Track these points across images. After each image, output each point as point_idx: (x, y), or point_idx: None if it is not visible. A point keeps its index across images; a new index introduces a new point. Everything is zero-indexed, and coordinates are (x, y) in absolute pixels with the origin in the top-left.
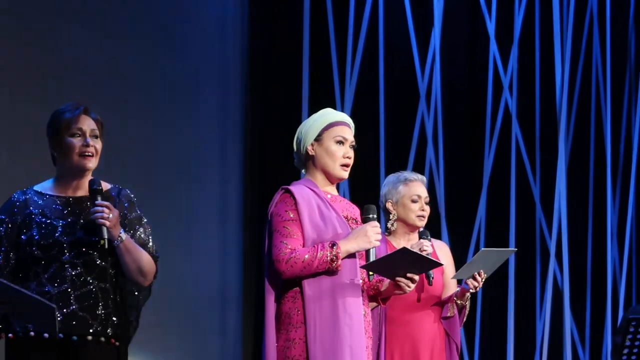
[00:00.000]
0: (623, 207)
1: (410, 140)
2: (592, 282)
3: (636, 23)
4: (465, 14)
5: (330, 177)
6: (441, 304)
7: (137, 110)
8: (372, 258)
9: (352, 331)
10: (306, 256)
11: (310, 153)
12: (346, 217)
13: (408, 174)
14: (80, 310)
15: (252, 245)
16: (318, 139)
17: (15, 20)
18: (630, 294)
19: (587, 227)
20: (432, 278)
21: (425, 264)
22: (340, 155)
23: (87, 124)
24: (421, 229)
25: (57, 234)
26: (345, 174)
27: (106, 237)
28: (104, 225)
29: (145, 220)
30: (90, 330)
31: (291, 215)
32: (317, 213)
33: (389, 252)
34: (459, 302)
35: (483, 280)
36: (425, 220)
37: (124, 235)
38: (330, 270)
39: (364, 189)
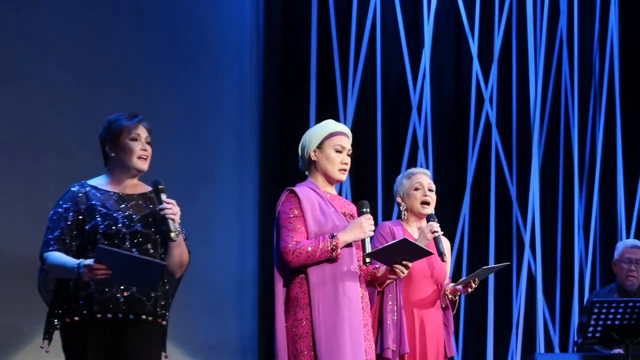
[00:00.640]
0: (588, 204)
1: (404, 146)
2: (561, 270)
3: (600, 46)
4: (451, 37)
5: (329, 180)
6: (441, 293)
7: (168, 119)
8: (367, 246)
9: (350, 311)
10: (309, 247)
11: (312, 158)
12: (344, 213)
13: (412, 169)
14: (138, 292)
15: (267, 237)
16: (320, 146)
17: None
18: (594, 280)
19: (557, 221)
20: (445, 255)
21: (419, 253)
22: (338, 161)
23: (144, 131)
24: (430, 214)
25: (119, 225)
26: (343, 177)
27: (174, 230)
28: (172, 219)
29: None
30: (145, 311)
31: (296, 212)
32: (318, 210)
33: (390, 242)
34: (450, 296)
35: (476, 285)
36: (430, 206)
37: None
38: (331, 259)
39: (364, 187)
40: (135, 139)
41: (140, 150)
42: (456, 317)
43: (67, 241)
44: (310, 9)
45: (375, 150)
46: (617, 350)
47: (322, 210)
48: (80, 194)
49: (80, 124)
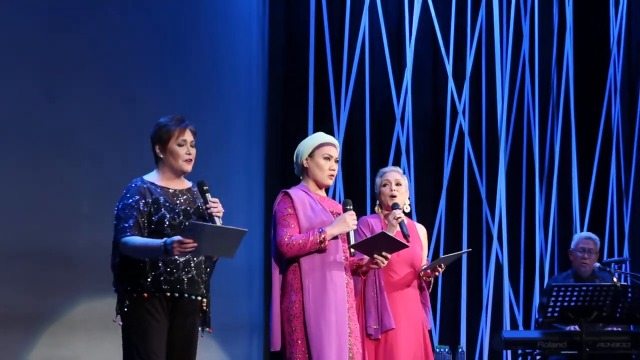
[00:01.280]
0: (548, 201)
1: (389, 152)
2: (524, 258)
3: (557, 66)
4: (429, 59)
5: (319, 184)
6: (418, 275)
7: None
8: (351, 238)
9: (336, 295)
10: (301, 240)
11: (305, 165)
12: (332, 212)
13: (383, 168)
14: (196, 275)
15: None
16: (311, 155)
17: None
18: (553, 266)
19: (520, 217)
20: (408, 236)
21: (396, 245)
22: (327, 168)
23: (190, 136)
24: (394, 203)
25: (180, 218)
26: (330, 182)
27: (220, 224)
28: (218, 216)
29: None
30: (200, 292)
31: (289, 211)
32: (309, 208)
33: (371, 235)
34: (424, 278)
35: (442, 269)
36: (397, 198)
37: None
38: (320, 250)
39: (354, 187)
40: (181, 145)
41: (186, 154)
42: (434, 299)
43: (141, 228)
44: (308, 33)
45: (364, 155)
46: (572, 327)
47: (312, 208)
48: (143, 189)
49: (110, 132)
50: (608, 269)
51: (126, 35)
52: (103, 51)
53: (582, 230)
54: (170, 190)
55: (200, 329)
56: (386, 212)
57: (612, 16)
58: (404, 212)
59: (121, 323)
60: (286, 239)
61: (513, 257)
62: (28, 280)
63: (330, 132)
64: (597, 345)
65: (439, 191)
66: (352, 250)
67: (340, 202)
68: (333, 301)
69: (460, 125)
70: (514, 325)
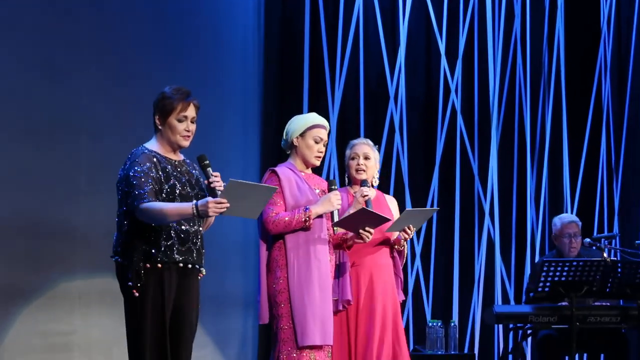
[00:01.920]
0: (539, 178)
1: (383, 129)
2: (515, 234)
3: (548, 44)
4: (422, 38)
5: (306, 163)
6: (391, 245)
7: None
8: (335, 217)
9: (320, 271)
10: (286, 218)
11: (295, 143)
12: (317, 190)
13: (353, 140)
14: (201, 246)
15: None
16: (302, 134)
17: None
18: (544, 242)
19: (512, 193)
20: (372, 207)
21: (378, 220)
22: (315, 149)
23: (192, 111)
24: (363, 180)
25: (187, 188)
26: (317, 162)
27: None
28: (220, 190)
29: None
30: (203, 263)
31: (276, 189)
32: (295, 187)
33: (352, 212)
34: (396, 247)
35: (413, 232)
36: (365, 173)
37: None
38: (304, 228)
39: None
40: (181, 120)
41: (184, 130)
42: (427, 273)
43: (157, 194)
44: (304, 13)
45: (358, 133)
46: (562, 303)
47: (299, 187)
48: (152, 157)
49: (109, 109)
50: (598, 244)
51: (125, 13)
52: (102, 28)
53: (572, 207)
54: (172, 161)
55: None
56: (355, 187)
57: None
58: (372, 185)
59: (137, 294)
60: (272, 217)
61: (505, 233)
62: (25, 255)
63: (325, 110)
64: (587, 319)
65: (432, 168)
66: (336, 227)
67: (330, 179)
68: (317, 277)
69: (453, 104)
70: (505, 300)
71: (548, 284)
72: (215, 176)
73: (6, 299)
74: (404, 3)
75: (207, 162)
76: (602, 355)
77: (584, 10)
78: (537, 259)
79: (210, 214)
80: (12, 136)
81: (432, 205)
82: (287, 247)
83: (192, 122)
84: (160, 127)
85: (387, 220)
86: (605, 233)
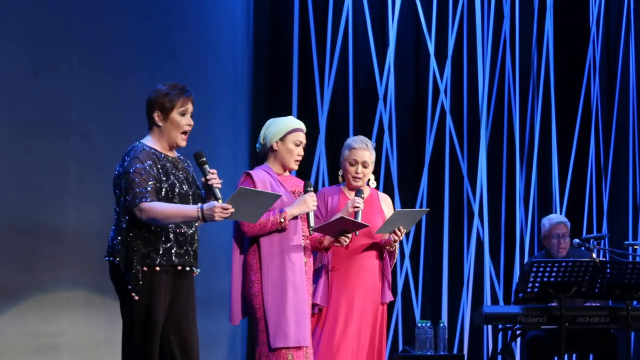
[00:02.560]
0: (528, 179)
1: (372, 130)
2: (505, 235)
3: (537, 45)
4: (412, 38)
5: (285, 167)
6: (379, 247)
7: None
8: (311, 218)
9: (294, 274)
10: (262, 220)
11: (274, 148)
12: (293, 192)
13: (356, 142)
14: (197, 248)
15: None
16: (282, 139)
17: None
18: (533, 243)
19: (501, 194)
20: (360, 218)
21: (356, 225)
22: (296, 153)
23: (190, 106)
24: (358, 189)
25: (184, 187)
26: (296, 166)
27: (219, 197)
28: (218, 187)
29: None
30: (197, 264)
31: None
32: (270, 189)
33: (331, 220)
34: (387, 247)
35: (403, 234)
36: (361, 181)
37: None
38: (280, 229)
39: (337, 166)
40: (183, 114)
41: (186, 125)
42: (417, 273)
43: (157, 193)
44: (293, 12)
45: (347, 134)
46: (551, 304)
47: (273, 189)
48: (151, 154)
49: (98, 108)
50: (587, 244)
51: (113, 11)
52: (89, 27)
53: (561, 208)
54: (170, 158)
55: None
56: (350, 193)
57: None
58: (369, 186)
59: (137, 297)
60: None
61: (494, 234)
62: (13, 256)
63: (314, 110)
64: (576, 320)
65: (421, 169)
66: (311, 227)
67: (306, 181)
68: (291, 280)
69: (442, 104)
70: (494, 301)
71: (537, 284)
72: (212, 173)
73: None
74: (393, 3)
75: (204, 159)
76: (591, 356)
77: (573, 10)
78: (526, 259)
79: (217, 218)
80: (0, 136)
81: (421, 206)
82: (262, 250)
83: (191, 116)
84: (160, 124)
85: (365, 226)
86: (594, 233)
